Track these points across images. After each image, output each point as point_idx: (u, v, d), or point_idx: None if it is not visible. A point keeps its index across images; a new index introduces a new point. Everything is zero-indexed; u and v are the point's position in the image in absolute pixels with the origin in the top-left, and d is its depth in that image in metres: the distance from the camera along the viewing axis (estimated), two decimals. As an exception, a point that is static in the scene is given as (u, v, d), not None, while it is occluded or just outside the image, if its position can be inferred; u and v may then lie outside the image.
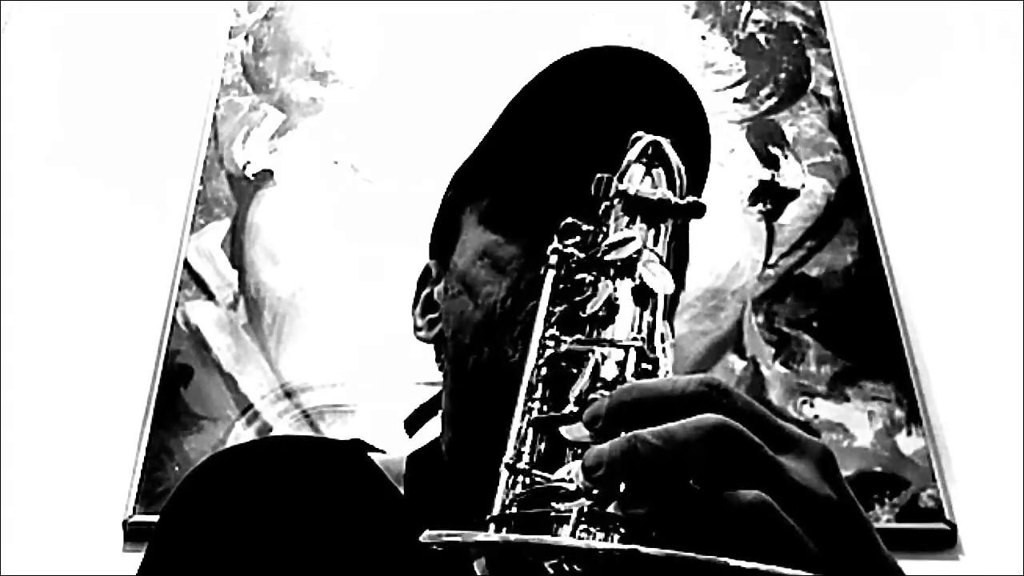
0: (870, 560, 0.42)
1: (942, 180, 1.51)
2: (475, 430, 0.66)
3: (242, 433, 1.32)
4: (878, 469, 1.27)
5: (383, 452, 0.76)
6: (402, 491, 0.70)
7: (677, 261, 0.57)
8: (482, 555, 0.38)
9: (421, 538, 0.36)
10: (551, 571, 0.36)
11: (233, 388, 1.36)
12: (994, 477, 1.27)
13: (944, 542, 1.22)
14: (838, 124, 1.57)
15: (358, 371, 1.36)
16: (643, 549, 0.34)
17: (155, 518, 0.68)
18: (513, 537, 0.38)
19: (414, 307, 0.79)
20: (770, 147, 1.55)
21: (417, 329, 0.77)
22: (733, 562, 0.33)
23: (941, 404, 1.33)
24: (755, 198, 1.50)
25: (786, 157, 1.54)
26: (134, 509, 1.26)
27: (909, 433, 1.30)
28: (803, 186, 1.51)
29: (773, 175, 1.52)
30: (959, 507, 1.25)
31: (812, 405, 1.33)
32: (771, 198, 1.50)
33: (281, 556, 0.61)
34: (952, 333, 1.38)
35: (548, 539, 0.38)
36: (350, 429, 1.29)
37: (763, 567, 0.34)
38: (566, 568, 0.36)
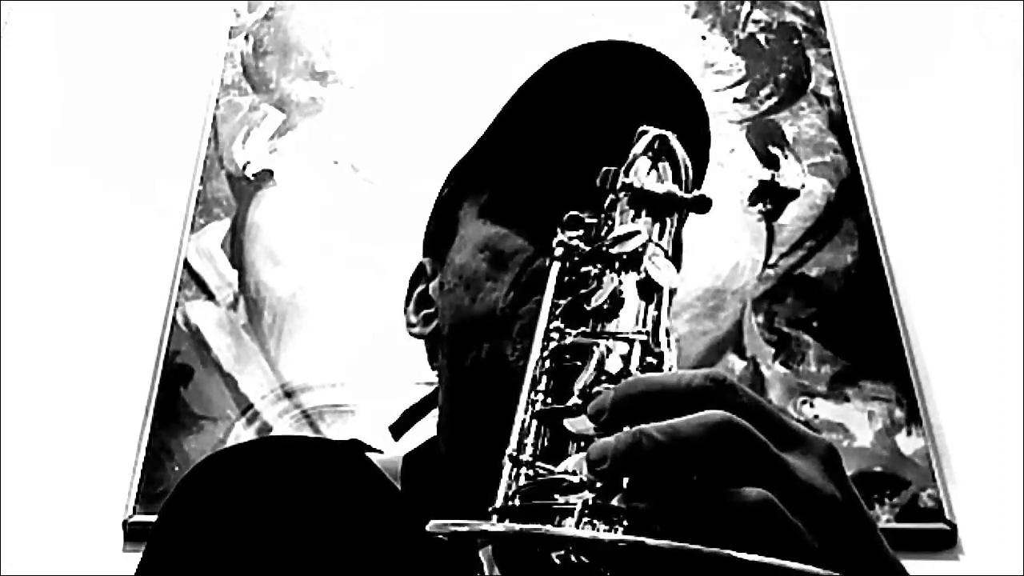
0: (873, 557, 0.42)
1: (942, 180, 1.51)
2: (475, 426, 0.65)
3: (242, 433, 1.32)
4: (878, 469, 1.27)
5: (380, 452, 0.75)
6: (399, 488, 0.70)
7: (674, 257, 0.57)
8: (488, 544, 0.38)
9: (427, 527, 0.36)
10: (557, 562, 0.36)
11: (233, 388, 1.36)
12: (994, 477, 1.27)
13: (944, 542, 1.22)
14: (838, 124, 1.57)
15: (358, 371, 1.36)
16: (650, 541, 0.34)
17: (155, 518, 0.68)
18: (520, 527, 0.38)
19: (406, 304, 0.78)
20: (770, 147, 1.55)
21: (411, 325, 0.76)
22: (737, 554, 0.33)
23: (941, 404, 1.33)
24: (755, 198, 1.50)
25: (786, 157, 1.54)
26: (134, 509, 1.26)
27: (909, 433, 1.30)
28: (803, 186, 1.51)
29: (773, 175, 1.52)
30: (959, 507, 1.25)
31: (812, 405, 1.33)
32: (771, 198, 1.50)
33: (279, 555, 0.61)
34: (952, 333, 1.38)
35: (556, 529, 0.38)
36: (350, 429, 1.29)
37: (766, 559, 0.34)
38: (573, 559, 0.36)
